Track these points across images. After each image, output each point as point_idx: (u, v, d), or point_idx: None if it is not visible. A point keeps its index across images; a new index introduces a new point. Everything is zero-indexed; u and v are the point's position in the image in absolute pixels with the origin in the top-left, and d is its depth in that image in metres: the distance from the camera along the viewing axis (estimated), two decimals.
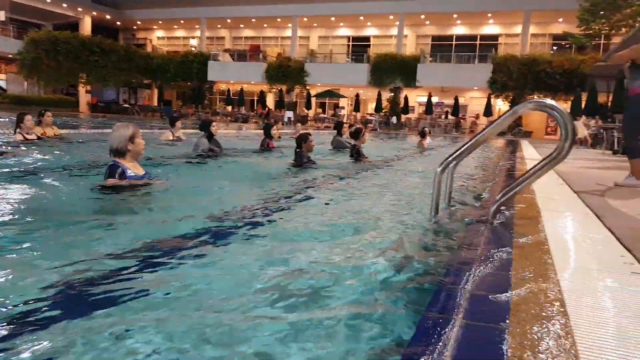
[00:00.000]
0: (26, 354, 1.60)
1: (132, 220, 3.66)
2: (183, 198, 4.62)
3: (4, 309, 1.96)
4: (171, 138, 10.35)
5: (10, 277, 2.34)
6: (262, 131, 10.59)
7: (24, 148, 7.66)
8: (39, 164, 6.39)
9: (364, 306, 2.14)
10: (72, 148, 8.75)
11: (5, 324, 1.83)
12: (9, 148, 7.53)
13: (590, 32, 28.94)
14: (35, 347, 1.66)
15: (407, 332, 1.81)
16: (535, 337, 1.56)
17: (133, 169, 4.49)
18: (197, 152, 8.25)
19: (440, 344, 1.52)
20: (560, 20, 34.34)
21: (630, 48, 5.76)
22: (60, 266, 2.48)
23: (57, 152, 7.79)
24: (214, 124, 8.68)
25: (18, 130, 8.35)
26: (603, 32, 28.90)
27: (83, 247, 2.91)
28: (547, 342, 1.52)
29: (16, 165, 6.09)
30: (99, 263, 2.58)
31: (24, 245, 2.87)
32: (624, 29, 26.74)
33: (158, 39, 50.24)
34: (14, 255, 2.71)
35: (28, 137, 8.39)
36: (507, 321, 1.68)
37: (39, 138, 8.67)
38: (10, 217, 3.55)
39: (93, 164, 6.60)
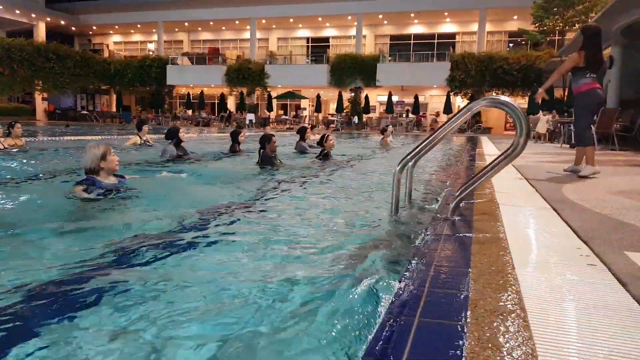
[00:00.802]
0: None
1: (103, 225, 3.67)
2: (156, 202, 4.61)
3: None
4: (139, 142, 10.34)
5: None
6: (222, 134, 10.58)
7: None
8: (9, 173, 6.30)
9: (323, 309, 2.11)
10: (39, 157, 8.59)
11: None
12: None
13: (545, 28, 29.64)
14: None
15: (367, 330, 1.80)
16: (494, 332, 1.55)
17: (106, 181, 4.56)
18: (165, 158, 8.32)
19: (400, 342, 1.49)
20: (515, 17, 35.11)
21: (561, 67, 6.50)
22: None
23: (26, 161, 7.65)
24: (181, 130, 8.83)
25: None
26: (557, 28, 29.62)
27: (56, 251, 2.98)
28: (506, 337, 1.51)
29: None
30: (69, 267, 2.62)
31: None
32: (577, 25, 27.50)
33: (115, 43, 49.18)
34: None
35: None
36: (466, 317, 1.67)
37: (4, 148, 8.48)
38: None
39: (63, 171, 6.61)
